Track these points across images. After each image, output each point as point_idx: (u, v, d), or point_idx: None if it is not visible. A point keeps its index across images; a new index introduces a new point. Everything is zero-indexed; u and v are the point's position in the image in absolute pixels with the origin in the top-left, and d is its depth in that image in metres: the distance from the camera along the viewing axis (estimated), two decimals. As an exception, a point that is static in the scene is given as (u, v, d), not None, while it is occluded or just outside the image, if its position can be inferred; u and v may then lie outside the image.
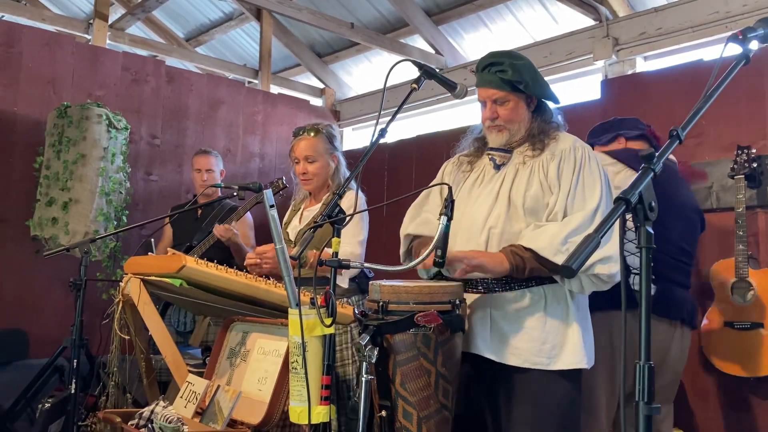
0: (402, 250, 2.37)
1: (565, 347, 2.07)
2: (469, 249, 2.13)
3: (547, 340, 2.07)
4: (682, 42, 4.37)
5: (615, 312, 2.67)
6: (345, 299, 2.82)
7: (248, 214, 4.29)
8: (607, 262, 1.99)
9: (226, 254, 3.92)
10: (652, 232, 1.19)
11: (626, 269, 2.70)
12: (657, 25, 4.45)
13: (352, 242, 2.85)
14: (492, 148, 2.25)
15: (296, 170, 3.02)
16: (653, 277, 2.74)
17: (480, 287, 2.13)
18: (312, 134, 2.99)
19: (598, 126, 3.17)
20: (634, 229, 2.73)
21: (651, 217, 1.18)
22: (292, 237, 3.00)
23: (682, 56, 4.46)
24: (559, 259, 1.94)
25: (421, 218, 2.35)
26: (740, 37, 1.51)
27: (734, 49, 1.54)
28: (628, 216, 2.75)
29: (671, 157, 2.98)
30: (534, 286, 2.09)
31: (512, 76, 2.13)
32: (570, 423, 2.11)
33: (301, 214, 3.07)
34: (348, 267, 1.95)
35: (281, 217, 3.19)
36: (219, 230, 3.77)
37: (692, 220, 2.99)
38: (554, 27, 5.25)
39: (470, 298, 2.12)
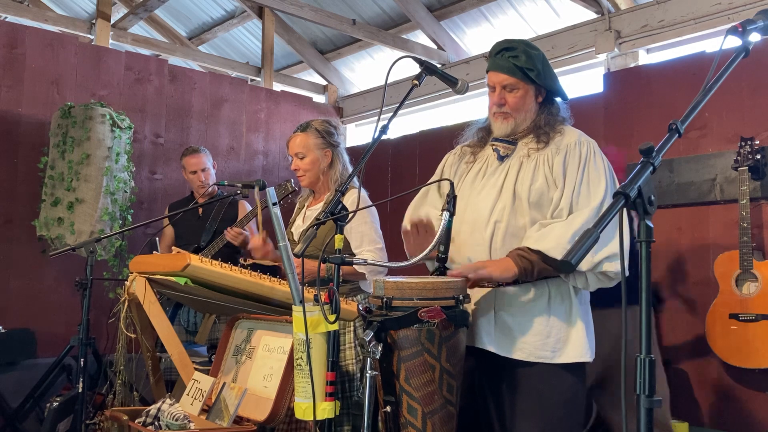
0: (405, 247, 2.37)
1: (569, 341, 2.08)
2: (474, 242, 2.14)
3: (551, 334, 2.07)
4: (685, 34, 4.36)
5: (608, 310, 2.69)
6: (353, 297, 2.84)
7: (248, 205, 4.31)
8: (614, 260, 1.97)
9: (232, 251, 3.94)
10: (651, 225, 1.19)
11: None
12: (659, 17, 4.44)
13: (372, 250, 2.85)
14: (496, 139, 2.24)
15: (291, 167, 3.06)
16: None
17: (484, 282, 2.13)
18: (303, 130, 3.01)
19: None
20: None
21: (651, 211, 1.19)
22: (296, 237, 3.01)
23: (685, 48, 4.45)
24: None
25: (417, 214, 2.34)
26: (740, 29, 1.50)
27: (734, 42, 1.54)
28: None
29: None
30: (538, 281, 2.09)
31: (525, 63, 2.12)
32: (574, 416, 2.12)
33: (304, 213, 3.08)
34: (351, 263, 1.96)
35: (289, 217, 3.20)
36: (230, 234, 3.78)
37: None
38: (556, 20, 5.24)
39: (474, 292, 2.12)
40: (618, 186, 2.12)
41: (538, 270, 2.01)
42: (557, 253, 1.96)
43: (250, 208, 4.30)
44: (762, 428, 3.56)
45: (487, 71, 2.22)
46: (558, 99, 2.26)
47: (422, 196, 2.39)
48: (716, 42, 4.31)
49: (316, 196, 3.09)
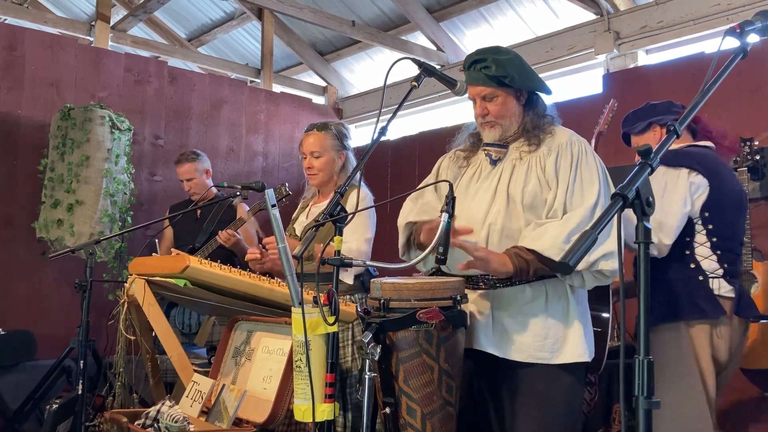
0: (401, 241, 2.35)
1: (567, 341, 2.08)
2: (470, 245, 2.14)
3: (549, 334, 2.08)
4: (684, 35, 4.36)
5: (684, 323, 2.57)
6: (348, 296, 2.84)
7: (247, 207, 4.31)
8: (610, 258, 1.98)
9: (229, 253, 3.95)
10: (650, 227, 1.19)
11: (703, 274, 2.61)
12: (658, 18, 4.44)
13: (358, 239, 2.86)
14: (488, 144, 2.25)
15: (303, 165, 3.05)
16: (728, 277, 2.61)
17: (481, 284, 2.13)
18: (320, 130, 3.01)
19: (630, 113, 2.99)
20: (705, 232, 2.63)
21: (649, 213, 1.18)
22: (298, 232, 3.02)
23: (684, 49, 4.46)
24: None
25: (418, 207, 2.33)
26: (738, 30, 1.50)
27: (732, 43, 1.54)
28: (698, 221, 2.59)
29: (709, 144, 2.82)
30: (535, 282, 2.09)
31: (497, 72, 2.13)
32: (573, 416, 2.12)
33: (309, 210, 3.08)
34: (350, 265, 1.96)
35: (291, 214, 3.21)
36: (222, 237, 3.80)
37: (743, 210, 2.86)
38: (555, 22, 5.24)
39: (472, 294, 2.13)
40: (611, 184, 2.14)
41: (533, 269, 2.02)
42: (553, 253, 1.97)
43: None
44: (762, 429, 3.55)
45: (466, 84, 2.24)
46: (544, 97, 2.26)
47: (416, 196, 2.39)
48: (715, 43, 4.31)
49: (322, 195, 3.09)
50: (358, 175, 2.17)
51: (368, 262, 2.11)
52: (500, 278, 2.10)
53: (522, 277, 2.04)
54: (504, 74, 2.13)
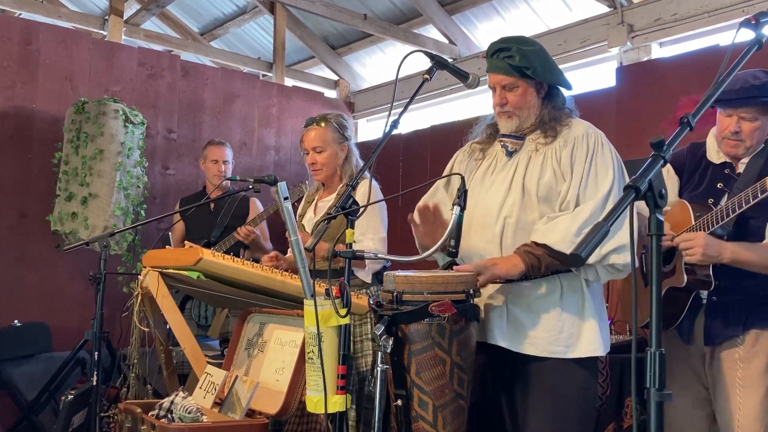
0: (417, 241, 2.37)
1: (582, 335, 2.08)
2: (485, 239, 2.14)
3: (563, 328, 2.07)
4: (698, 27, 4.32)
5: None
6: (363, 290, 2.84)
7: (259, 203, 4.35)
8: (621, 252, 1.98)
9: (243, 246, 3.98)
10: (662, 219, 1.19)
11: None
12: (672, 10, 4.41)
13: (374, 239, 2.86)
14: (504, 135, 2.24)
15: (306, 161, 3.04)
16: None
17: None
18: (319, 124, 3.00)
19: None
20: None
21: (661, 205, 1.18)
22: (308, 229, 3.02)
23: (698, 42, 4.42)
24: None
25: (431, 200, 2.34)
26: (753, 22, 1.50)
27: (747, 35, 1.53)
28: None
29: None
30: (550, 276, 2.09)
31: (520, 62, 2.12)
32: (587, 410, 2.12)
33: (316, 205, 3.08)
34: (362, 258, 1.97)
35: (294, 209, 3.21)
36: (242, 232, 3.83)
37: None
38: (568, 14, 5.21)
39: (486, 288, 2.13)
40: (626, 177, 2.13)
41: (545, 265, 2.02)
42: (564, 246, 1.96)
43: (261, 205, 4.34)
44: None
45: (487, 72, 2.23)
46: (563, 90, 2.25)
47: (431, 194, 2.40)
48: (730, 35, 4.26)
49: (327, 189, 3.10)
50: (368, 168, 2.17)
51: (380, 255, 2.12)
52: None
53: (534, 273, 2.04)
54: (527, 65, 2.12)
